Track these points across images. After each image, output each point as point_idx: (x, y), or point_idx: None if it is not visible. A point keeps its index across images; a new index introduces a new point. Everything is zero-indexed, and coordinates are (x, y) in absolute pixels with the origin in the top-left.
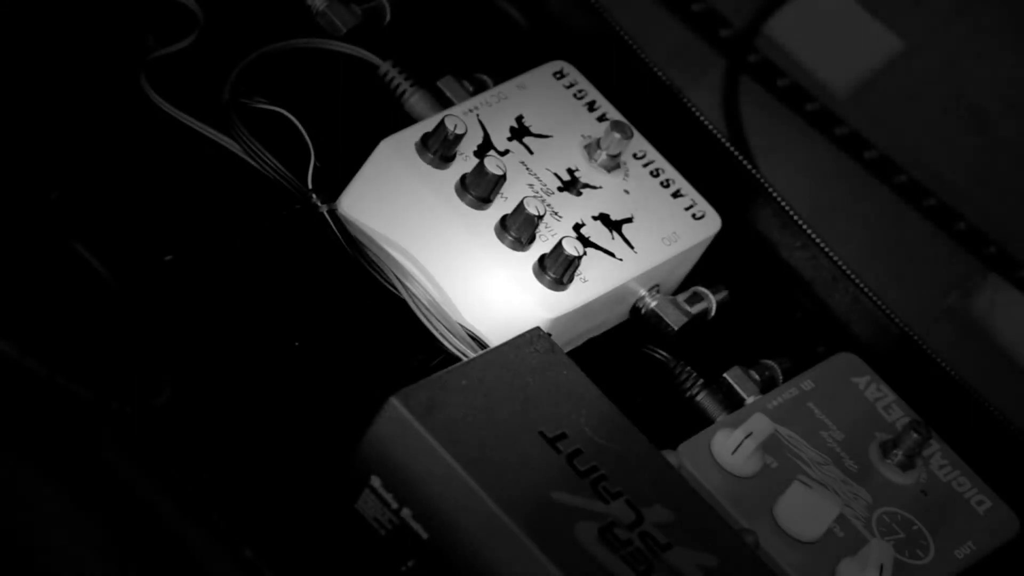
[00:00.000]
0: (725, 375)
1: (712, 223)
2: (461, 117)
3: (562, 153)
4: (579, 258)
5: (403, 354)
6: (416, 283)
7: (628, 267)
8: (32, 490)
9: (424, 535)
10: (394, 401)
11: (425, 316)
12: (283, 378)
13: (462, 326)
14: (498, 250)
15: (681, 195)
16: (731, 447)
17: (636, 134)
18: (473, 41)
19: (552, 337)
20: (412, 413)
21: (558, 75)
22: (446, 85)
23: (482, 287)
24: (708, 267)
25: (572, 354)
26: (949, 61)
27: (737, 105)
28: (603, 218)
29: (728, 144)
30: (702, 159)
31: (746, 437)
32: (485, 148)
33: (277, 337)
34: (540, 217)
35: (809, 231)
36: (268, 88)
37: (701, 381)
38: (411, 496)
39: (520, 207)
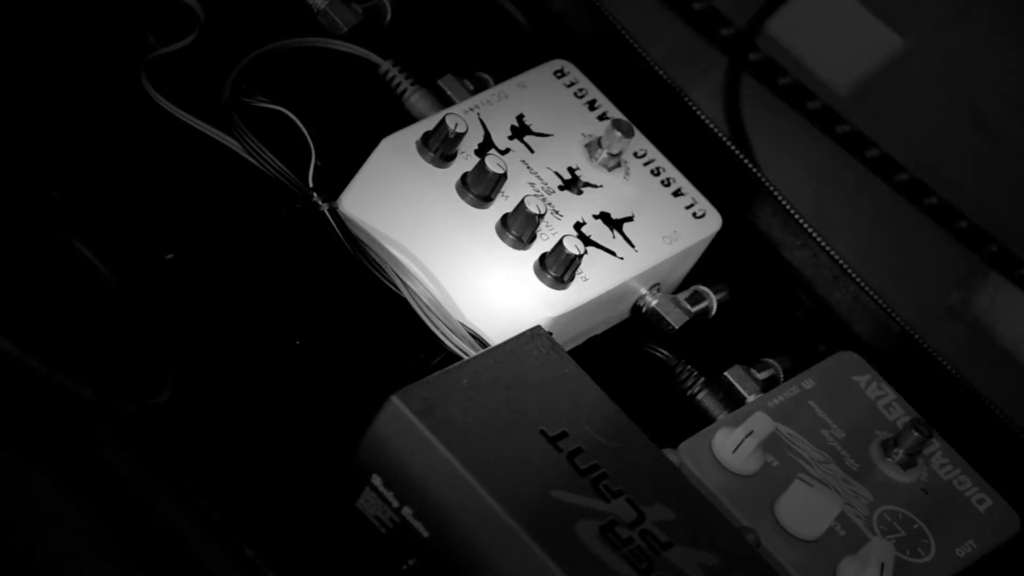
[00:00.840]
0: (726, 374)
1: (713, 222)
2: (462, 116)
3: (563, 152)
4: (580, 257)
5: (404, 353)
6: (417, 282)
7: (629, 266)
8: (32, 489)
9: (425, 534)
10: (395, 400)
11: (426, 315)
12: (284, 377)
13: (463, 325)
14: (499, 249)
15: (682, 194)
16: (732, 446)
17: (637, 133)
18: (474, 40)
19: (553, 336)
20: (413, 412)
21: (559, 74)
22: (447, 84)
23: (483, 286)
24: (709, 266)
25: (573, 353)
26: (950, 59)
27: (738, 103)
28: (604, 217)
29: (729, 143)
30: (703, 158)
31: (747, 436)
32: (486, 147)
33: (278, 336)
34: (541, 216)
35: (810, 229)
36: (269, 87)
37: (702, 380)
38: (412, 495)
39: (521, 206)
